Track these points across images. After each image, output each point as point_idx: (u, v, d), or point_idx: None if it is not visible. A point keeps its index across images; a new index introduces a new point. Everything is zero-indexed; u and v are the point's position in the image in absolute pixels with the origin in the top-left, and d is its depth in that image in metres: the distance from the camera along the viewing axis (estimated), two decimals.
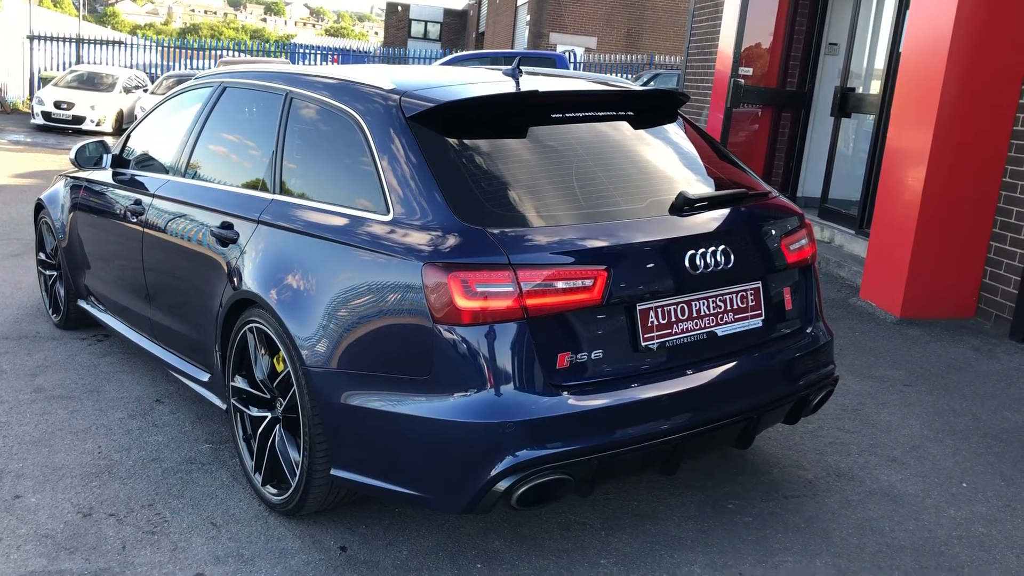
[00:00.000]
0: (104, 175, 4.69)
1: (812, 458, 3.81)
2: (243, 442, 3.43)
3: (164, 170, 4.23)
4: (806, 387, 3.25)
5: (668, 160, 3.33)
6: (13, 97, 23.35)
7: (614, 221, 2.89)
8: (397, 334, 2.77)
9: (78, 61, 23.62)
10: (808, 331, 3.34)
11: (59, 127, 18.30)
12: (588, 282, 2.71)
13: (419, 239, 2.74)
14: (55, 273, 5.37)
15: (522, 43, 27.67)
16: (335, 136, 3.24)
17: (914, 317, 5.93)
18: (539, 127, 3.10)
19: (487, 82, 3.34)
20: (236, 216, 3.47)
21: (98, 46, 24.67)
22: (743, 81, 8.76)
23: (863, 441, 4.01)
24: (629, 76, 22.25)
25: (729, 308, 3.04)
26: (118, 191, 4.48)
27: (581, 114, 3.21)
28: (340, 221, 3.02)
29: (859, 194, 7.63)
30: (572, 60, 17.10)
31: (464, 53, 14.80)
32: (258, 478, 3.31)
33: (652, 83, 17.85)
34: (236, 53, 25.97)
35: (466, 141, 2.98)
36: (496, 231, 2.70)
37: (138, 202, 4.23)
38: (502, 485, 2.63)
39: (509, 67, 3.46)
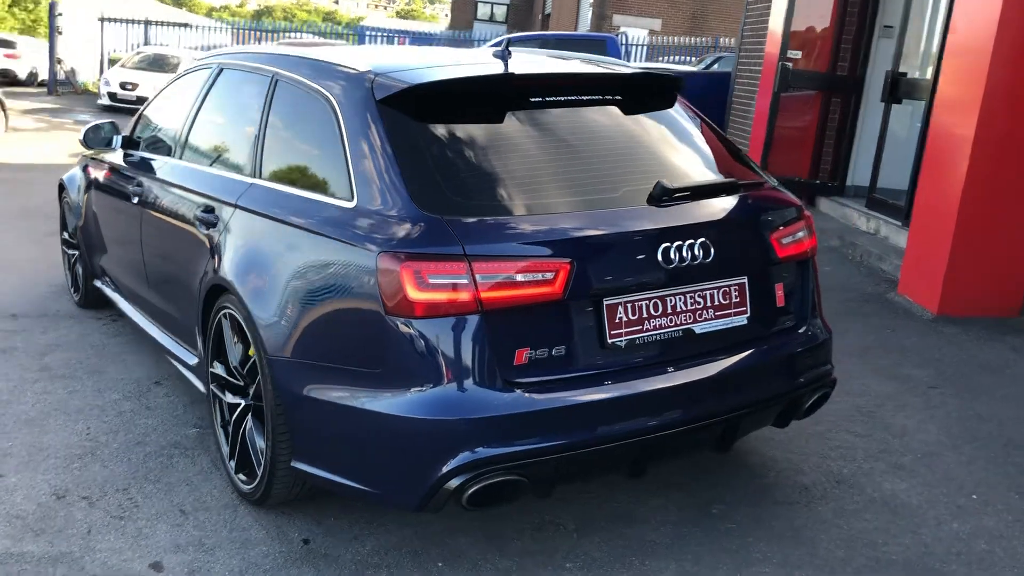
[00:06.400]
0: (115, 157, 4.71)
1: (814, 462, 3.63)
2: (220, 428, 3.39)
3: (166, 152, 4.22)
4: (796, 389, 3.07)
5: (654, 148, 3.17)
6: (84, 78, 23.96)
7: (583, 211, 2.75)
8: (352, 325, 2.69)
9: (146, 43, 24.10)
10: (802, 330, 3.15)
11: (124, 107, 18.66)
12: (549, 275, 2.58)
13: (377, 227, 2.65)
14: (76, 252, 5.43)
15: (585, 25, 27.32)
16: (311, 119, 3.16)
17: (953, 314, 5.63)
18: (517, 111, 2.97)
19: (470, 64, 3.22)
20: (217, 200, 3.43)
21: (166, 28, 25.14)
22: (791, 65, 8.45)
23: (872, 446, 3.81)
24: (691, 59, 21.79)
25: (709, 304, 2.88)
26: (124, 173, 4.49)
27: (563, 98, 3.07)
28: (307, 207, 2.95)
29: (908, 184, 7.29)
30: (624, 43, 16.76)
31: (511, 35, 14.64)
32: (232, 465, 3.27)
33: (716, 66, 17.39)
34: (298, 35, 26.21)
35: (436, 125, 2.86)
36: (454, 220, 2.59)
37: (139, 184, 4.23)
38: (453, 483, 2.54)
39: (499, 48, 3.34)
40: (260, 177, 3.31)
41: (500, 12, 41.98)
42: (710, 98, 12.59)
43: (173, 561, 2.86)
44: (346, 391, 2.69)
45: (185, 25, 25.60)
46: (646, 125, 3.22)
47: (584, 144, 3.01)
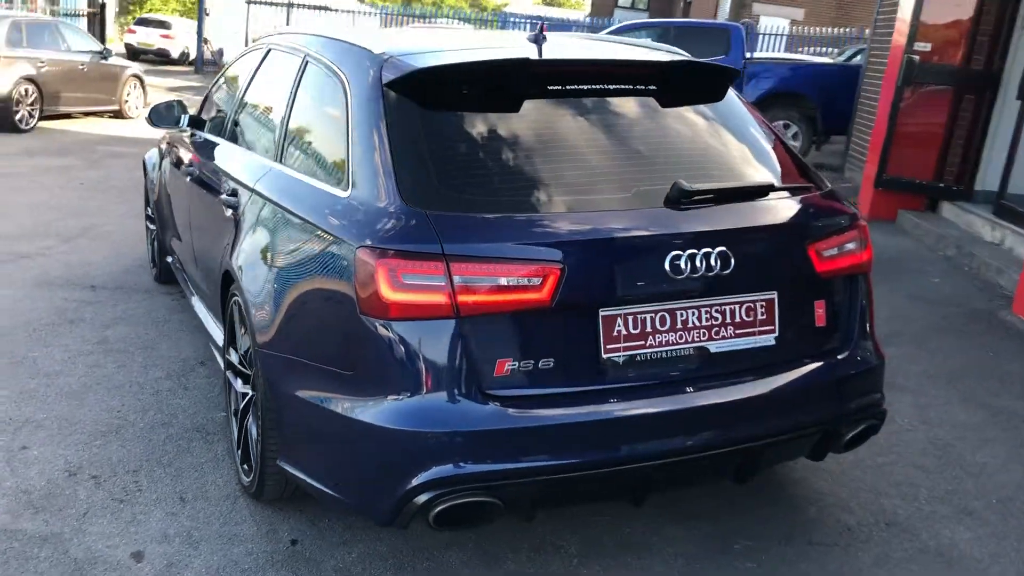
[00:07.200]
0: (182, 136, 4.74)
1: (866, 499, 3.26)
2: (232, 416, 3.32)
3: (217, 132, 4.20)
4: (832, 420, 2.74)
5: (686, 145, 2.87)
6: (229, 59, 24.93)
7: (587, 212, 2.50)
8: (330, 324, 2.55)
9: (287, 25, 24.83)
10: (845, 354, 2.80)
11: None
12: (535, 280, 2.36)
13: (362, 220, 2.49)
14: (156, 228, 5.53)
15: (724, 14, 26.41)
16: (327, 102, 3.03)
17: None
18: (532, 100, 2.74)
19: (491, 48, 3.01)
20: (240, 184, 3.36)
21: (308, 11, 25.83)
22: (917, 58, 7.80)
23: (939, 485, 3.39)
24: (832, 50, 20.72)
25: (728, 321, 2.58)
26: (182, 153, 4.52)
27: (587, 87, 2.82)
28: (308, 195, 2.83)
29: None
30: (752, 32, 15.94)
31: (630, 23, 14.19)
32: (239, 455, 3.20)
33: (857, 58, 16.46)
34: (433, 20, 26.40)
35: (441, 112, 2.67)
36: (439, 216, 2.40)
37: (191, 163, 4.23)
38: (420, 499, 2.36)
39: (533, 33, 3.11)
40: (280, 161, 3.21)
41: None
42: (841, 92, 11.90)
43: (155, 552, 2.79)
44: (322, 391, 2.54)
45: (326, 9, 26.20)
46: (683, 120, 2.93)
47: (603, 139, 2.75)
